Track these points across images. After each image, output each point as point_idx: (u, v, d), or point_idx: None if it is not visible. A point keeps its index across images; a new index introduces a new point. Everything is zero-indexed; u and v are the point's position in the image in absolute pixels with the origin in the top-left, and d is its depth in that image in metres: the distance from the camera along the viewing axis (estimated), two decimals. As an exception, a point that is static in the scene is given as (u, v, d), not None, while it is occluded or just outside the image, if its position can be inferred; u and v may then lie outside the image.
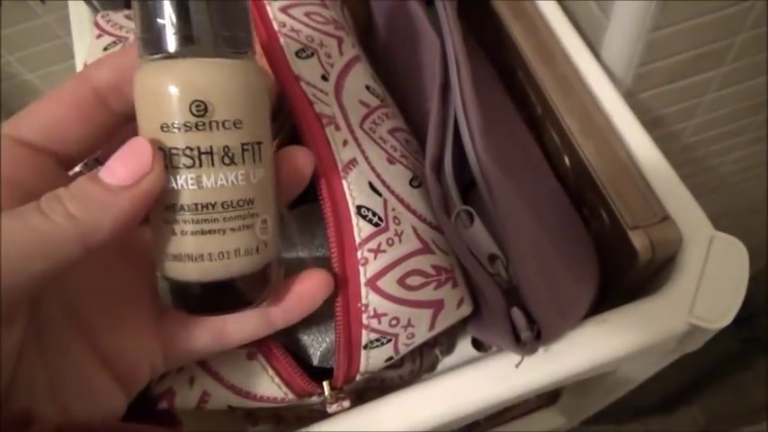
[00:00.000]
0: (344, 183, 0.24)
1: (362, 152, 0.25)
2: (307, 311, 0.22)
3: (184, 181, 0.18)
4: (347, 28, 0.31)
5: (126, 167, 0.17)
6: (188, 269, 0.18)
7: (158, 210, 0.18)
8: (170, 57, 0.17)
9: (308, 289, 0.22)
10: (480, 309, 0.27)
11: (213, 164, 0.18)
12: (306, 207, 0.27)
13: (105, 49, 0.29)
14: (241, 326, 0.22)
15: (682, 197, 0.28)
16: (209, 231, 0.18)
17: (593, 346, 0.26)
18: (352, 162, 0.24)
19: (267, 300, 0.21)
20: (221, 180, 0.18)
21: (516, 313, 0.23)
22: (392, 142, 0.27)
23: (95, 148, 0.20)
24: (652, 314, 0.26)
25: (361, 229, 0.24)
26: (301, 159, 0.22)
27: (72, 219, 0.16)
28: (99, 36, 0.30)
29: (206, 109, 0.17)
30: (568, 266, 0.27)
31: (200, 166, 0.17)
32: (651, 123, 0.31)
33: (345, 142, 0.25)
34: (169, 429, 0.25)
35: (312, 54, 0.27)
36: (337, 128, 0.25)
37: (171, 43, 0.17)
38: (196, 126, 0.17)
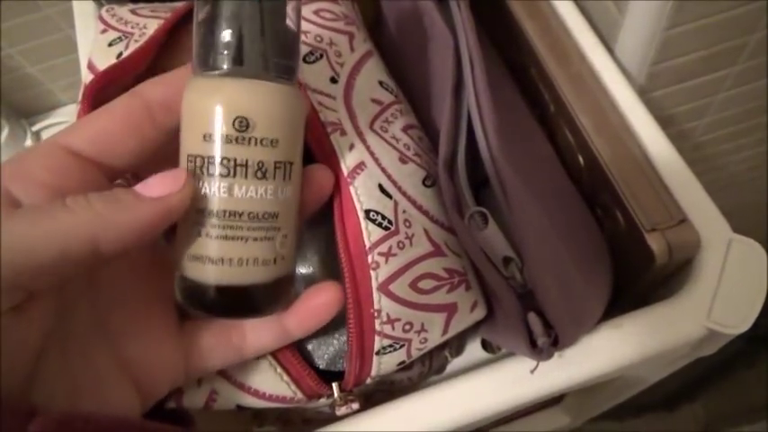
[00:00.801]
0: (351, 189, 0.23)
1: (371, 154, 0.24)
2: (321, 323, 0.23)
3: (217, 188, 0.19)
4: (358, 23, 0.30)
5: (159, 182, 0.18)
6: (207, 271, 0.19)
7: (188, 212, 0.19)
8: (222, 75, 0.19)
9: (322, 302, 0.22)
10: (494, 312, 0.26)
11: (246, 176, 0.19)
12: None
13: (110, 44, 0.29)
14: (259, 337, 0.23)
15: (699, 198, 0.27)
16: (233, 238, 0.19)
17: (608, 352, 0.26)
18: (360, 166, 0.24)
19: (278, 311, 0.22)
20: (251, 192, 0.19)
21: (533, 319, 0.23)
22: (405, 140, 0.26)
23: (140, 162, 0.21)
24: (669, 319, 0.26)
25: (370, 233, 0.23)
26: (319, 178, 0.23)
27: (90, 210, 0.17)
28: (104, 31, 0.30)
29: (248, 125, 0.18)
30: (580, 268, 0.26)
31: (234, 176, 0.19)
32: (663, 122, 0.30)
33: (352, 146, 0.24)
34: (181, 428, 0.24)
35: (321, 56, 0.26)
36: (343, 133, 0.24)
37: (224, 62, 0.18)
38: (236, 140, 0.18)
